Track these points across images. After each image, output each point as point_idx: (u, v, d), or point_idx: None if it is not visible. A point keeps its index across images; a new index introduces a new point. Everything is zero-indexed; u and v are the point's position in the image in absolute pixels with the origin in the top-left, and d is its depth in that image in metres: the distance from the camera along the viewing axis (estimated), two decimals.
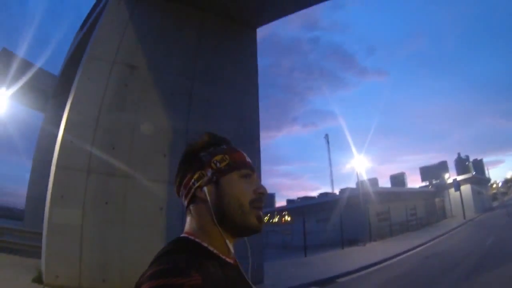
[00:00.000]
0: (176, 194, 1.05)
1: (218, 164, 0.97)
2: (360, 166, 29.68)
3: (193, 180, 0.97)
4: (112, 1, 9.71)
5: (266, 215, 49.08)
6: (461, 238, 18.85)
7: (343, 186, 39.36)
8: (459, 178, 44.33)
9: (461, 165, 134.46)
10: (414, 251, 16.59)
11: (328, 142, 72.56)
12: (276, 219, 48.26)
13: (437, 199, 43.27)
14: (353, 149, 30.59)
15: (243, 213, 0.93)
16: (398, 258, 14.73)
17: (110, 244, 8.00)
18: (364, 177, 34.25)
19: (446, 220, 36.74)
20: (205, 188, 0.94)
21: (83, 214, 7.82)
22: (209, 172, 0.96)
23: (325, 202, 35.06)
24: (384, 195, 33.12)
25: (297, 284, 10.00)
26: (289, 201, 58.35)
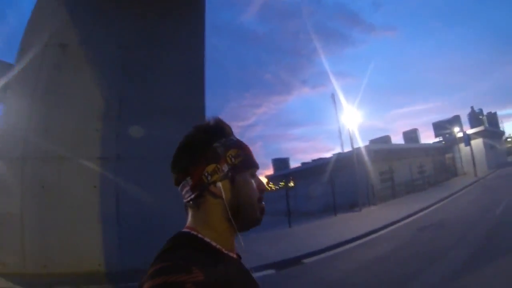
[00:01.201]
0: (174, 182, 0.97)
1: (233, 160, 0.93)
2: (352, 122, 26.34)
3: (206, 173, 0.91)
4: None
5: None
6: (468, 202, 16.34)
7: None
8: (470, 131, 40.83)
9: (475, 119, 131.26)
10: (411, 218, 14.53)
11: (334, 102, 72.39)
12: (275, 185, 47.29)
13: (447, 155, 40.55)
14: (344, 105, 27.45)
15: (253, 211, 0.94)
16: (388, 229, 12.74)
17: (49, 229, 8.05)
18: (359, 135, 31.62)
19: (456, 179, 34.22)
20: (220, 184, 0.90)
21: (22, 202, 8.05)
22: (225, 168, 0.92)
23: (321, 165, 32.64)
24: (386, 153, 30.66)
25: (254, 266, 7.88)
26: (303, 164, 58.95)
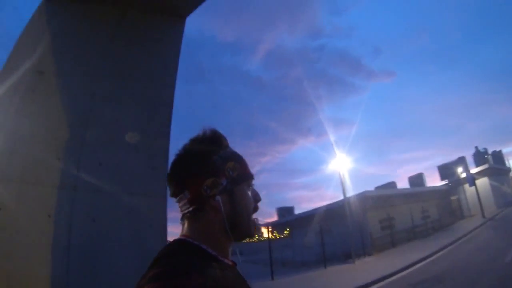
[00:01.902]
0: (171, 194, 0.98)
1: (231, 173, 0.95)
2: (343, 169, 24.21)
3: (205, 187, 0.91)
4: (36, 11, 7.85)
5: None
6: (473, 249, 14.12)
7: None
8: (474, 170, 38.38)
9: (480, 158, 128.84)
10: (406, 272, 12.38)
11: (335, 150, 74.91)
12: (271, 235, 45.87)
13: (452, 198, 38.20)
14: (341, 152, 25.74)
15: (249, 223, 0.95)
16: (376, 286, 10.86)
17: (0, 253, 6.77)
18: (362, 182, 29.79)
19: (462, 222, 31.58)
20: (219, 198, 0.91)
21: None
22: (223, 181, 0.93)
23: (316, 214, 30.67)
24: (385, 199, 28.60)
25: None
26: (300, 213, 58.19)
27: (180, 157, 0.97)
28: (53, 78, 9.17)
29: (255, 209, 0.99)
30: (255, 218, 0.98)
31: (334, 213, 27.25)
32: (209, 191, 0.90)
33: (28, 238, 7.88)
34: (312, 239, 27.98)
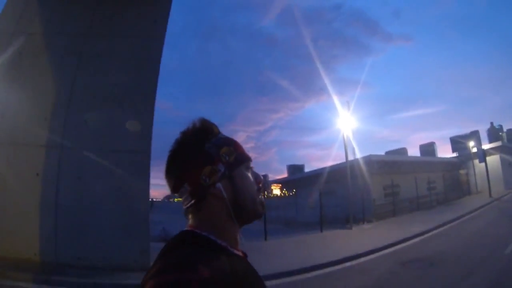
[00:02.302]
0: (171, 190, 0.96)
1: (227, 158, 0.93)
2: (346, 127, 22.82)
3: (203, 177, 0.90)
4: None
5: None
6: (474, 231, 13.64)
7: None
8: (486, 146, 37.16)
9: (494, 135, 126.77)
10: (401, 245, 11.99)
11: (348, 109, 74.77)
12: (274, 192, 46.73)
13: (461, 172, 37.47)
14: (339, 107, 24.42)
15: (254, 204, 0.94)
16: (366, 258, 10.37)
17: None
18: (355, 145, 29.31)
19: (468, 198, 31.14)
20: (220, 184, 0.90)
21: None
22: (221, 167, 0.91)
23: (320, 174, 30.35)
24: (391, 165, 28.09)
25: None
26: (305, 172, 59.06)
27: (173, 152, 0.95)
28: (41, 39, 9.64)
29: (259, 190, 0.97)
30: (261, 200, 0.97)
31: (339, 174, 26.66)
32: (208, 180, 0.89)
33: (17, 196, 8.54)
34: (316, 199, 27.75)
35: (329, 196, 27.80)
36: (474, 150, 36.20)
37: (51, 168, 8.70)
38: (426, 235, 13.59)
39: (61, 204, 8.51)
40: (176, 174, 0.93)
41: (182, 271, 0.67)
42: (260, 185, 0.99)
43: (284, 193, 46.30)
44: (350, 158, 23.31)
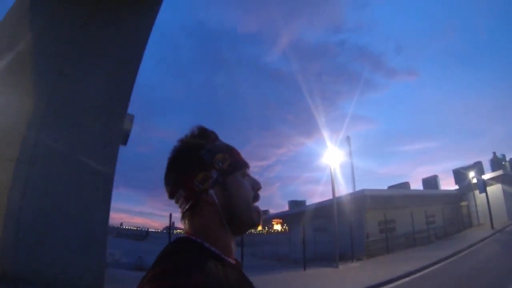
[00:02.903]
0: (168, 196, 0.97)
1: (221, 164, 0.94)
2: (334, 161, 21.47)
3: (196, 183, 0.91)
4: None
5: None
6: (470, 268, 12.07)
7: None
8: (486, 176, 34.96)
9: (497, 165, 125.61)
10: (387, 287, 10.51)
11: (349, 145, 75.95)
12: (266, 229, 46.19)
13: (462, 204, 35.85)
14: (328, 142, 23.24)
15: (248, 213, 0.94)
16: None
17: None
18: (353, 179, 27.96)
19: (469, 231, 29.33)
20: (212, 191, 0.91)
21: None
22: (214, 174, 0.92)
23: (313, 210, 29.18)
24: (388, 199, 26.64)
25: None
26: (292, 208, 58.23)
27: (171, 159, 0.96)
28: (28, 57, 9.58)
29: (256, 197, 0.97)
30: (257, 209, 0.96)
31: (331, 210, 25.34)
32: (201, 186, 0.90)
33: None
34: (307, 235, 26.40)
35: (321, 233, 26.60)
36: (475, 181, 34.30)
37: (20, 182, 8.65)
38: (417, 274, 12.04)
39: (24, 217, 8.49)
40: (172, 180, 0.94)
41: (176, 277, 0.67)
42: (258, 192, 0.98)
43: (284, 229, 45.21)
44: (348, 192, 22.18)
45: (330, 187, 20.18)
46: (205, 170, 0.91)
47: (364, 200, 24.45)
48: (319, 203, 30.64)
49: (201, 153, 0.93)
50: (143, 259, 14.16)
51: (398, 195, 28.35)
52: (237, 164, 0.97)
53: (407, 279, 11.35)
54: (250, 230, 1.06)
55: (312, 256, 22.38)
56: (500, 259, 13.27)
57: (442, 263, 13.91)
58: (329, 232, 24.44)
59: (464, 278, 10.44)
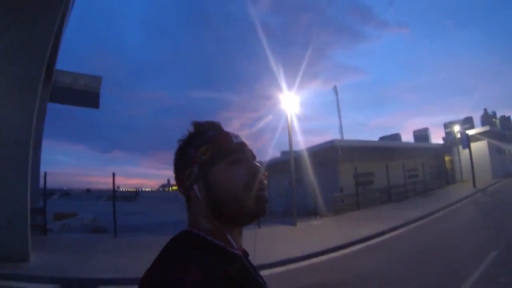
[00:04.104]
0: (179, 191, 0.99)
1: (202, 157, 0.91)
2: (290, 108, 18.18)
3: (185, 179, 0.92)
4: None
5: None
6: (438, 237, 10.43)
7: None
8: (472, 131, 33.03)
9: (488, 121, 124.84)
10: (326, 257, 8.79)
11: (336, 94, 76.14)
12: None
13: (446, 159, 34.38)
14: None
15: (239, 202, 0.87)
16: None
17: None
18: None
19: (451, 187, 27.93)
20: (195, 186, 0.90)
21: None
22: (196, 168, 0.91)
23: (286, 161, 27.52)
24: (363, 152, 24.99)
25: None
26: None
27: (174, 157, 0.98)
28: None
29: (251, 183, 0.87)
30: (257, 191, 0.88)
31: (305, 162, 23.53)
32: (187, 182, 0.90)
33: None
34: (285, 188, 25.22)
35: (298, 185, 24.99)
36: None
37: None
38: (373, 241, 10.33)
39: None
40: (175, 177, 0.96)
41: (175, 271, 0.67)
42: (254, 178, 0.89)
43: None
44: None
45: (323, 137, 18.24)
46: (190, 165, 0.90)
47: (335, 152, 22.86)
48: (286, 153, 28.97)
49: (186, 149, 0.93)
50: (98, 220, 13.99)
51: (375, 147, 26.50)
52: (220, 153, 0.90)
53: (359, 246, 9.68)
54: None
55: (287, 208, 21.11)
56: (480, 223, 11.70)
57: (406, 228, 12.14)
58: (304, 185, 22.78)
59: (435, 243, 8.77)
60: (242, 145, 0.96)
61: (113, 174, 13.51)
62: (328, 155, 23.47)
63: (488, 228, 10.55)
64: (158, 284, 0.66)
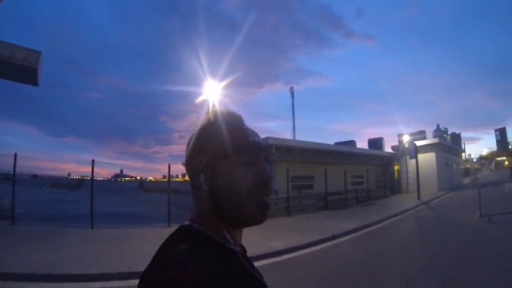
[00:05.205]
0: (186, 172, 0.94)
1: (214, 148, 0.86)
2: (213, 95, 15.51)
3: (193, 167, 0.88)
4: None
5: None
6: (365, 256, 8.12)
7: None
8: (421, 142, 31.21)
9: (439, 136, 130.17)
10: None
11: (292, 95, 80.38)
12: None
13: (395, 168, 33.18)
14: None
15: (239, 205, 0.82)
16: None
17: None
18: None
19: (394, 198, 26.26)
20: (202, 176, 0.86)
21: None
22: (206, 157, 0.86)
23: None
24: (302, 153, 22.83)
25: None
26: None
27: (190, 139, 0.93)
28: None
29: (257, 187, 0.82)
30: (260, 197, 0.82)
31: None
32: (194, 170, 0.87)
33: None
34: None
35: None
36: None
37: None
38: (279, 258, 8.20)
39: None
40: (185, 157, 0.91)
41: (173, 270, 0.65)
42: (261, 184, 0.83)
43: None
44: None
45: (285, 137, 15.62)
46: (201, 152, 0.86)
47: (269, 151, 20.37)
48: None
49: (200, 135, 0.89)
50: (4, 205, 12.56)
51: (315, 149, 24.28)
52: (234, 148, 0.84)
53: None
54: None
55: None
56: (416, 242, 9.63)
57: (328, 243, 9.76)
58: None
59: (334, 278, 6.36)
60: (257, 145, 0.88)
61: (15, 155, 12.47)
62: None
63: (429, 243, 8.94)
64: (157, 282, 0.62)
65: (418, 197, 23.18)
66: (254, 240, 9.63)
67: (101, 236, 10.28)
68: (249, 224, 0.83)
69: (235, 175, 0.82)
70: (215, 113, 0.93)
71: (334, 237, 10.35)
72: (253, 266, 0.88)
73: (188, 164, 0.89)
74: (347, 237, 10.69)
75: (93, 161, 13.02)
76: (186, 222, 0.85)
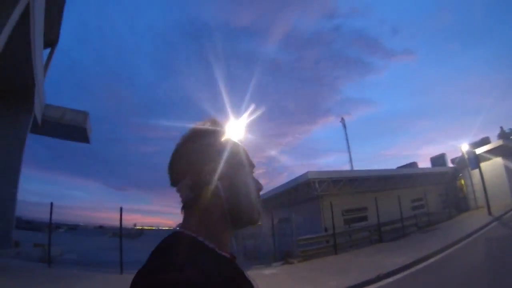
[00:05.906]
0: (171, 182, 0.95)
1: (231, 160, 0.93)
2: (236, 135, 15.46)
3: (205, 173, 0.90)
4: None
5: None
6: None
7: None
8: (481, 149, 26.86)
9: (506, 139, 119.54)
10: None
11: (344, 126, 73.54)
12: None
13: (459, 183, 29.84)
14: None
15: (251, 211, 0.92)
16: None
17: None
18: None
19: (461, 217, 22.97)
20: (219, 183, 0.89)
21: None
22: (223, 167, 0.91)
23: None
24: (347, 182, 21.22)
25: None
26: None
27: (180, 146, 0.95)
28: None
29: (258, 197, 0.95)
30: (259, 205, 0.94)
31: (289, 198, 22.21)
32: (209, 177, 0.88)
33: None
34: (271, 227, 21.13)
35: (286, 223, 20.91)
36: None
37: None
38: None
39: None
40: (179, 167, 0.91)
41: (170, 273, 0.66)
42: (259, 191, 0.96)
43: None
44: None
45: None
46: (215, 161, 0.89)
47: (312, 186, 19.22)
48: (275, 188, 25.07)
49: (213, 142, 0.92)
50: (46, 250, 12.68)
51: (363, 178, 22.19)
52: (246, 161, 0.95)
53: None
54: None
55: (272, 251, 17.04)
56: (487, 272, 7.59)
57: (386, 280, 8.09)
58: (291, 224, 18.91)
59: None
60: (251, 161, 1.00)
61: (51, 204, 12.56)
62: (305, 190, 20.08)
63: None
64: (153, 286, 0.63)
65: (489, 213, 20.22)
66: (280, 284, 8.23)
67: (127, 281, 9.26)
68: (249, 225, 0.92)
69: (248, 184, 0.91)
70: (219, 123, 0.99)
71: (379, 278, 8.58)
72: (244, 272, 0.88)
73: (198, 171, 0.88)
74: (397, 276, 8.81)
75: (121, 208, 12.80)
76: (177, 229, 0.86)
